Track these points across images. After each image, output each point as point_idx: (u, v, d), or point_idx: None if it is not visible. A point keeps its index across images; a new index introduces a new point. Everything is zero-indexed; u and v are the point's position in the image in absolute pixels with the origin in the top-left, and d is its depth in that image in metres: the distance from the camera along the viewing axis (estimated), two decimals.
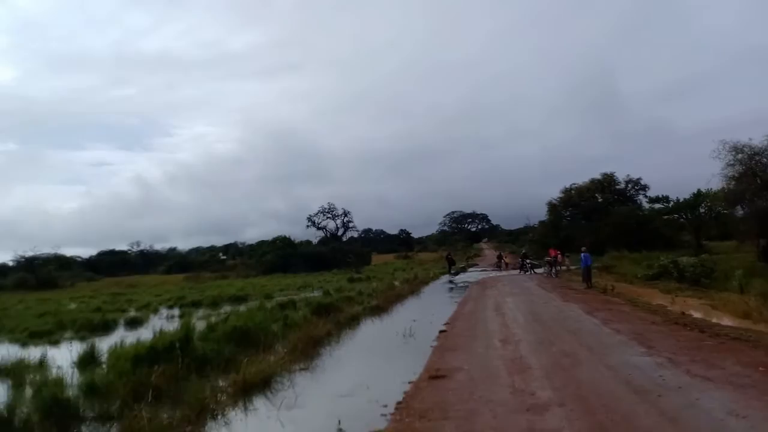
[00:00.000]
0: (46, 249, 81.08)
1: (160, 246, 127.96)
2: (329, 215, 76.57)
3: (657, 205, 55.60)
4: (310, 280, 47.88)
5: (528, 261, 35.20)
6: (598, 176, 64.22)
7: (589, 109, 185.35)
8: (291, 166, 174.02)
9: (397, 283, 33.07)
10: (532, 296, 21.87)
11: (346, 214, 77.58)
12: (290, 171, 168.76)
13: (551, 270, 30.35)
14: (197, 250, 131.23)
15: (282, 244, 66.94)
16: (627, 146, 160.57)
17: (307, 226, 77.50)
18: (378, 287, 27.80)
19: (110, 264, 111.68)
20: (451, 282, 36.43)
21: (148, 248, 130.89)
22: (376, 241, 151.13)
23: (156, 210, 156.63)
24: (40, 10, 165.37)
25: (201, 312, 23.35)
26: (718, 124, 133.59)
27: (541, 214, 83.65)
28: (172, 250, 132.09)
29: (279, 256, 62.97)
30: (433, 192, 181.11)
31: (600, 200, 64.20)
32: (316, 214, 77.77)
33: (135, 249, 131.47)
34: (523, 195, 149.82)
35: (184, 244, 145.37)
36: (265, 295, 30.32)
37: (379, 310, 19.76)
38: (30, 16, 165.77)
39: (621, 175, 64.06)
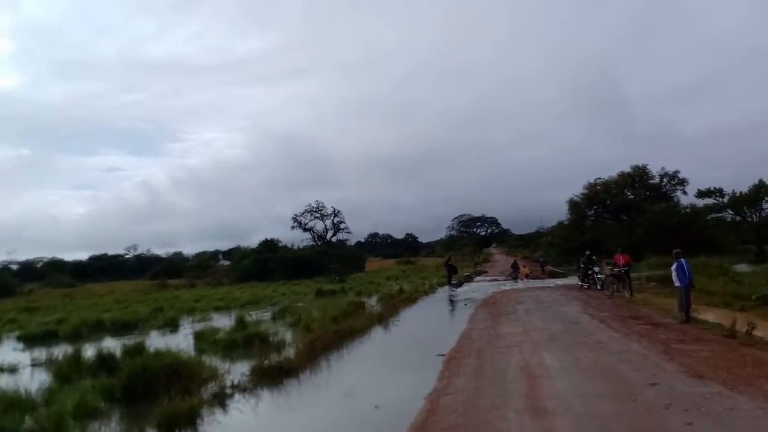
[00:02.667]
0: (51, 253, 71.82)
1: (163, 251, 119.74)
2: (317, 215, 66.20)
3: (707, 201, 44.40)
4: (279, 290, 37.50)
5: (593, 269, 22.99)
6: (627, 169, 53.31)
7: (597, 113, 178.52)
8: (299, 170, 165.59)
9: (372, 301, 22.70)
10: (601, 349, 9.80)
11: (336, 213, 67.11)
12: (298, 176, 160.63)
13: (614, 286, 19.14)
14: (202, 255, 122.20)
15: (261, 248, 56.88)
16: (635, 149, 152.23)
17: (292, 227, 67.24)
18: (324, 315, 17.34)
19: (98, 269, 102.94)
20: (450, 297, 25.96)
21: (145, 252, 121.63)
22: (382, 246, 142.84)
23: (165, 215, 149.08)
24: (47, 17, 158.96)
25: None
26: (726, 127, 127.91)
27: (552, 218, 72.87)
28: (178, 254, 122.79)
29: (257, 261, 52.80)
30: (441, 196, 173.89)
31: (630, 196, 53.25)
32: (303, 213, 67.38)
33: (132, 253, 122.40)
34: (532, 199, 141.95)
35: (191, 249, 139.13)
36: (171, 321, 20.21)
37: (282, 374, 9.29)
38: (38, 22, 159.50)
39: (655, 168, 53.01)
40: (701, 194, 43.32)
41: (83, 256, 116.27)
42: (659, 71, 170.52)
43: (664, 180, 52.68)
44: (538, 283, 32.34)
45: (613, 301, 18.00)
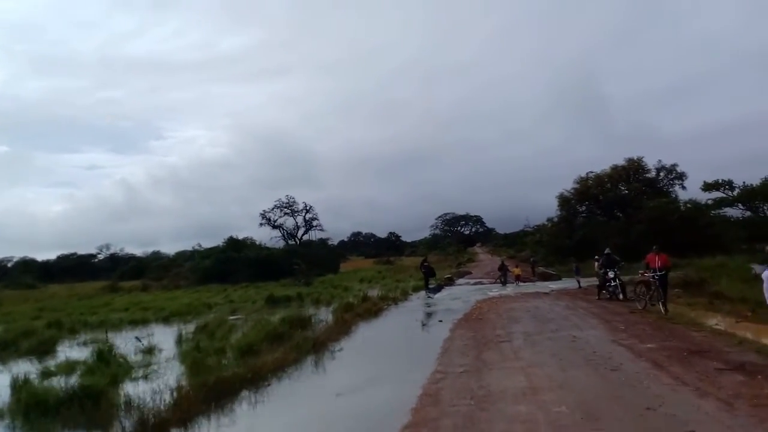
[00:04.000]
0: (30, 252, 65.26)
1: (142, 250, 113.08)
2: (287, 211, 60.28)
3: (715, 194, 39.37)
4: (232, 295, 31.91)
5: (616, 273, 17.04)
6: (622, 162, 48.40)
7: (580, 113, 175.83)
8: (282, 169, 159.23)
9: (326, 313, 17.34)
10: None
11: (308, 209, 61.02)
12: (281, 174, 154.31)
13: (646, 297, 13.47)
14: (182, 254, 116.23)
15: (225, 247, 51.16)
16: (616, 150, 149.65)
17: (261, 224, 61.19)
18: (243, 339, 11.93)
19: (65, 269, 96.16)
20: (425, 306, 20.63)
21: (118, 252, 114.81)
22: (365, 245, 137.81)
23: (146, 213, 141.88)
24: (25, 13, 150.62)
25: None
26: (704, 129, 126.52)
27: (536, 218, 67.94)
28: (156, 254, 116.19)
29: (219, 261, 47.06)
30: (425, 196, 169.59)
31: (625, 191, 48.36)
32: (272, 209, 61.39)
33: (104, 253, 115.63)
34: (517, 199, 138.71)
35: (172, 248, 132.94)
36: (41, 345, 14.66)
37: None
38: (15, 18, 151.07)
39: (651, 161, 48.21)
40: (708, 187, 38.48)
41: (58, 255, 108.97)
42: (640, 72, 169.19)
43: (661, 174, 47.91)
44: (530, 287, 27.10)
45: (643, 318, 12.76)
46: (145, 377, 9.67)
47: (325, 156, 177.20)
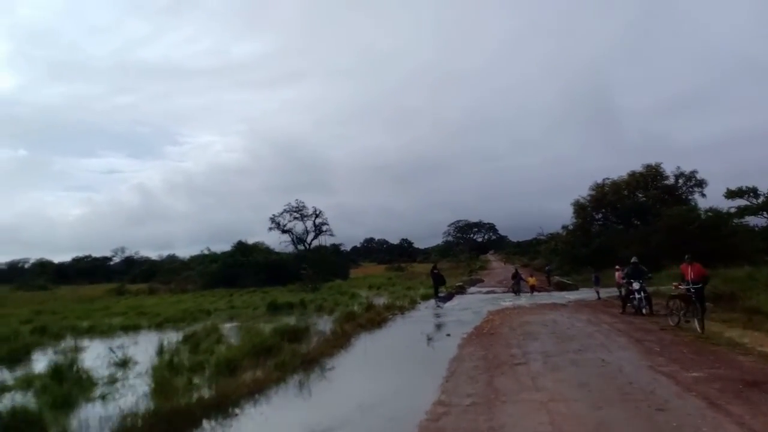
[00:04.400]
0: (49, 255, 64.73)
1: (157, 254, 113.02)
2: (297, 215, 58.98)
3: (738, 202, 37.29)
4: (235, 300, 30.65)
5: (636, 284, 15.87)
6: (639, 168, 46.46)
7: (591, 122, 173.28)
8: (296, 175, 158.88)
9: (328, 322, 15.95)
10: None
11: (317, 214, 59.52)
12: (295, 180, 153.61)
13: (681, 312, 11.68)
14: (196, 258, 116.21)
15: (233, 251, 49.98)
16: (628, 160, 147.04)
17: (270, 228, 59.72)
18: (228, 354, 10.55)
19: (80, 271, 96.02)
20: (434, 315, 19.14)
21: (133, 255, 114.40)
22: (377, 251, 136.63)
23: (162, 217, 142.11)
24: (42, 19, 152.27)
25: None
26: (715, 139, 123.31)
27: (548, 227, 65.97)
28: (172, 257, 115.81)
29: (227, 266, 45.89)
30: (438, 203, 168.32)
31: (642, 199, 46.38)
32: (281, 213, 59.97)
33: (119, 255, 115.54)
34: (529, 207, 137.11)
35: (187, 252, 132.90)
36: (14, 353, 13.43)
37: None
38: (33, 24, 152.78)
39: (669, 168, 46.20)
40: (731, 194, 36.42)
41: (73, 257, 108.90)
42: (653, 82, 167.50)
43: (680, 181, 45.87)
44: (545, 297, 25.41)
45: (677, 337, 11.12)
46: (103, 398, 8.29)
47: (339, 162, 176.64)
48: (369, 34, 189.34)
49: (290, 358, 10.29)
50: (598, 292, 22.72)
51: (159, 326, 19.69)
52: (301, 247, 58.19)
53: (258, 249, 50.73)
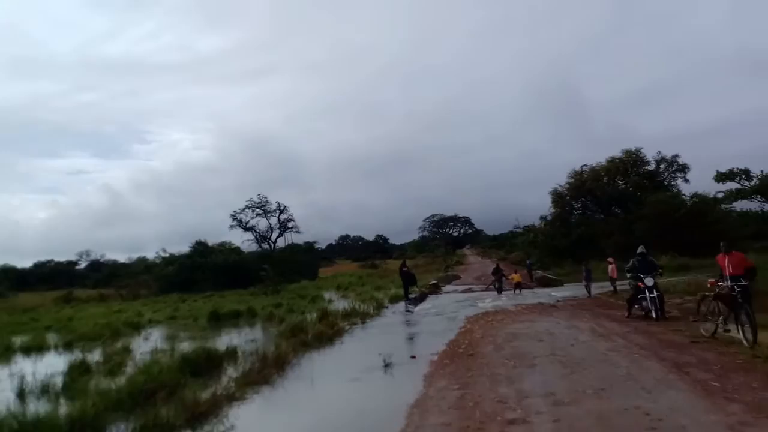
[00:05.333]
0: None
1: (126, 256, 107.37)
2: (259, 211, 54.66)
3: (730, 185, 34.62)
4: (182, 307, 26.85)
5: (650, 281, 12.23)
6: (618, 154, 43.79)
7: (561, 116, 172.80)
8: (267, 172, 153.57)
9: (270, 335, 12.35)
10: None
11: (282, 209, 55.19)
12: (267, 178, 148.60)
13: (719, 318, 8.56)
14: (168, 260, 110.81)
15: (192, 252, 45.83)
16: (597, 152, 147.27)
17: (231, 226, 55.22)
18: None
19: (40, 277, 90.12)
20: (403, 322, 15.73)
21: (99, 258, 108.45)
22: (353, 248, 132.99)
23: (132, 218, 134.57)
24: (1, 15, 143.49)
25: None
26: (680, 132, 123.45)
27: (524, 219, 63.15)
28: (142, 259, 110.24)
29: (185, 268, 41.77)
30: (413, 198, 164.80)
31: (622, 185, 43.73)
32: (243, 210, 55.58)
33: (84, 259, 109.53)
34: (502, 201, 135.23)
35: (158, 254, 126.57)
36: None
37: None
38: None
39: (650, 153, 43.66)
40: (721, 177, 33.80)
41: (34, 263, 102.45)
42: (619, 75, 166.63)
43: (661, 166, 43.32)
44: (528, 296, 22.19)
45: (724, 356, 7.84)
46: None
47: (312, 158, 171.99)
48: (340, 28, 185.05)
49: (171, 414, 6.71)
50: (589, 289, 19.58)
51: (68, 346, 15.85)
52: (265, 245, 54.09)
53: (218, 250, 46.55)
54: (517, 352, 9.13)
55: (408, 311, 18.85)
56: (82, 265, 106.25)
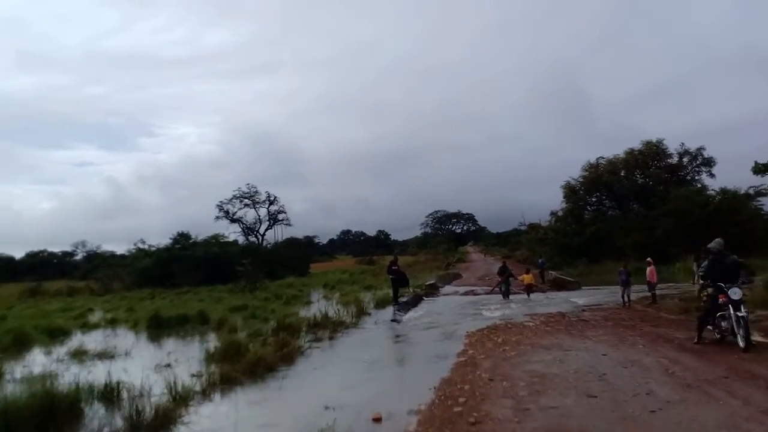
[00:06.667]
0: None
1: (127, 248, 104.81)
2: (248, 202, 50.33)
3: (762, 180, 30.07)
4: (138, 306, 22.84)
5: (735, 292, 8.08)
6: (638, 145, 39.49)
7: (565, 114, 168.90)
8: (271, 167, 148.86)
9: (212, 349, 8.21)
10: None
11: (271, 201, 50.79)
12: (271, 173, 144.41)
13: None
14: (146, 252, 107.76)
15: (172, 244, 41.99)
16: (602, 151, 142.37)
17: (217, 217, 50.95)
18: None
19: (31, 267, 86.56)
20: (386, 337, 11.69)
21: (95, 249, 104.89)
22: (354, 243, 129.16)
23: (137, 211, 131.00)
24: (8, 7, 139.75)
25: None
26: (686, 131, 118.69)
27: (529, 216, 58.62)
28: (141, 251, 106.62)
29: (163, 261, 37.87)
30: (416, 195, 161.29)
31: (640, 180, 39.45)
32: (230, 200, 51.20)
33: (80, 250, 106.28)
34: (505, 200, 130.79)
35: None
36: None
37: None
38: None
39: (672, 145, 39.36)
40: (758, 170, 29.38)
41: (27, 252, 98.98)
42: (625, 74, 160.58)
43: (685, 159, 38.99)
44: (542, 300, 18.12)
45: None
46: None
47: (315, 154, 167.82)
48: (346, 24, 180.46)
49: None
50: (626, 296, 15.38)
51: None
52: (253, 238, 49.96)
53: (201, 243, 42.48)
54: (558, 427, 5.03)
55: (394, 320, 14.77)
56: (79, 256, 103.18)
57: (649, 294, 15.75)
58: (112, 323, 17.60)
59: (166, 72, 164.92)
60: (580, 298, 18.58)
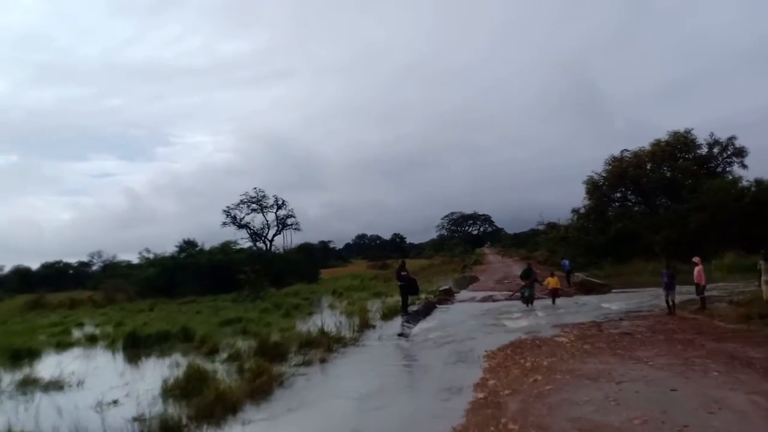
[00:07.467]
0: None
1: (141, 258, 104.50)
2: (255, 206, 48.48)
3: None
4: (128, 319, 21.03)
5: None
6: (664, 136, 36.90)
7: (579, 114, 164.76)
8: (287, 173, 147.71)
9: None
10: None
11: (279, 206, 48.82)
12: (287, 179, 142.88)
13: None
14: (151, 261, 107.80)
15: (179, 251, 40.48)
16: (616, 149, 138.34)
17: (224, 223, 49.20)
18: None
19: (46, 278, 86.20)
20: (392, 356, 9.65)
21: (111, 259, 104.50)
22: (369, 247, 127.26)
23: (156, 220, 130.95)
24: (30, 22, 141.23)
25: None
26: (700, 129, 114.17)
27: (547, 216, 55.77)
28: (147, 260, 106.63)
29: (167, 270, 36.31)
30: (432, 198, 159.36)
31: (669, 174, 36.80)
32: (237, 205, 48.76)
33: (96, 260, 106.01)
34: (522, 200, 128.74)
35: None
36: None
37: None
38: (21, 28, 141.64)
39: (701, 135, 36.71)
40: None
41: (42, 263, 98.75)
42: (639, 71, 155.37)
43: (715, 149, 36.29)
44: (571, 307, 15.90)
45: None
46: None
47: (331, 159, 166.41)
48: (360, 29, 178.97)
49: None
50: (671, 302, 13.10)
51: None
52: (261, 244, 48.26)
53: (205, 251, 40.82)
54: None
55: (401, 335, 12.73)
56: (95, 266, 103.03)
57: (697, 298, 13.48)
58: (92, 341, 15.84)
59: (182, 81, 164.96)
60: (613, 303, 16.30)
